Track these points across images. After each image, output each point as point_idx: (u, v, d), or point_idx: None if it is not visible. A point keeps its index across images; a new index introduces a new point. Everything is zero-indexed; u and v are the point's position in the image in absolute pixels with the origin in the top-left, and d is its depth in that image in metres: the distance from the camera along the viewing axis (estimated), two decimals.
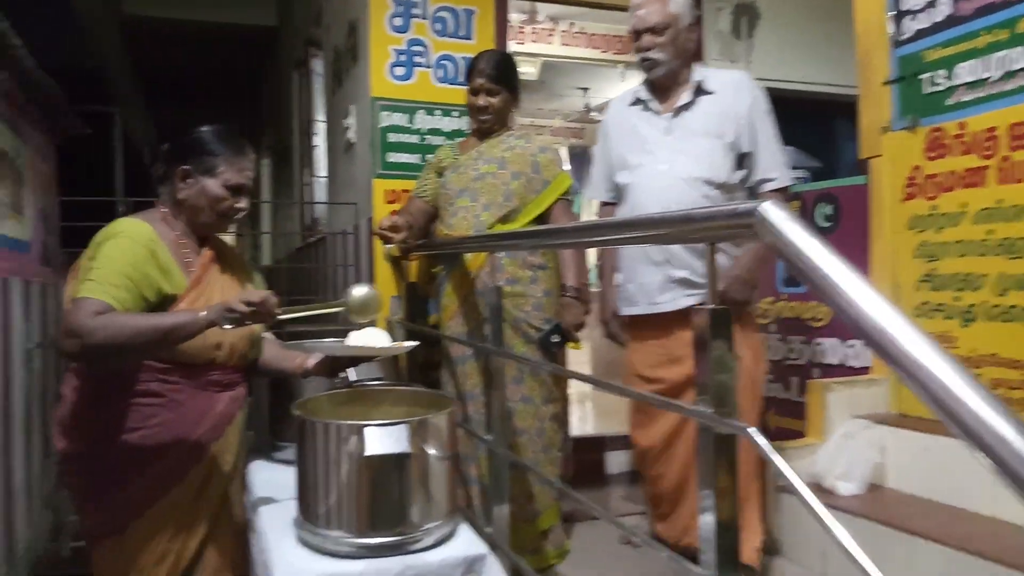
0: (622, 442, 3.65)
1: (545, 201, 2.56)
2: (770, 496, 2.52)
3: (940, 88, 2.57)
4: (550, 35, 5.87)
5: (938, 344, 0.79)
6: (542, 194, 2.57)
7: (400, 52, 3.29)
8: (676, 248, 2.32)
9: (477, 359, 2.47)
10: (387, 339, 1.86)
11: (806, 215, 3.13)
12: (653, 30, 2.33)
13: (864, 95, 2.91)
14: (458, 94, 2.78)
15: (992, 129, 2.38)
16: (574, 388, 3.98)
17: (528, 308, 2.49)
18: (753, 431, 1.11)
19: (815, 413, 2.77)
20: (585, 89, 7.51)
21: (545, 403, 2.51)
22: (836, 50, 4.20)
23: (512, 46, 3.96)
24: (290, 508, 1.55)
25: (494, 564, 1.49)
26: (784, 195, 2.39)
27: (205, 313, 1.48)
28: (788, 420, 3.14)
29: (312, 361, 1.83)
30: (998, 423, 0.70)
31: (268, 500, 1.75)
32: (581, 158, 8.42)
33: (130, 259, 1.54)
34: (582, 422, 4.69)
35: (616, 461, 3.64)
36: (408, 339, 2.71)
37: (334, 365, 1.84)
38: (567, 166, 7.21)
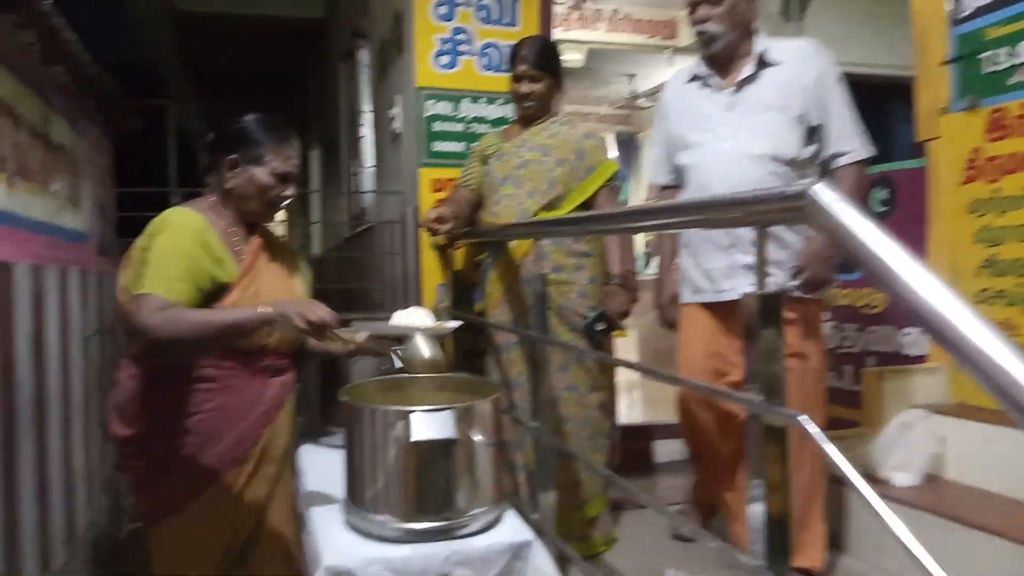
0: (670, 430, 3.61)
1: (589, 188, 2.54)
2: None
3: (1001, 67, 2.47)
4: (596, 21, 5.82)
5: (1000, 331, 0.76)
6: (586, 181, 2.54)
7: (445, 41, 3.28)
8: (743, 232, 2.19)
9: (522, 347, 2.46)
10: (431, 319, 1.88)
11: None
12: (709, 0, 2.22)
13: (921, 76, 2.82)
14: (503, 82, 2.77)
15: None
16: (621, 376, 3.95)
17: (573, 296, 2.47)
18: (805, 419, 1.08)
19: (870, 402, 2.70)
20: (632, 75, 7.43)
21: (591, 391, 2.50)
22: (890, 30, 4.08)
23: (558, 33, 3.93)
24: (338, 492, 1.57)
25: (540, 550, 1.49)
26: (861, 169, 2.24)
27: (263, 312, 1.50)
28: (841, 409, 3.07)
29: (358, 339, 1.86)
30: None
31: (317, 484, 1.78)
32: (628, 145, 8.33)
33: (186, 250, 1.56)
34: (630, 410, 4.65)
35: (664, 450, 3.61)
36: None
37: (378, 343, 1.88)
38: (614, 153, 7.16)
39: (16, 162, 2.12)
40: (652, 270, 5.89)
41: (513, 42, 2.68)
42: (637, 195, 8.17)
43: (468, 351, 2.75)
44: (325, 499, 1.66)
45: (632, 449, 3.38)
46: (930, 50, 2.75)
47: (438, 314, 2.84)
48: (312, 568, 1.48)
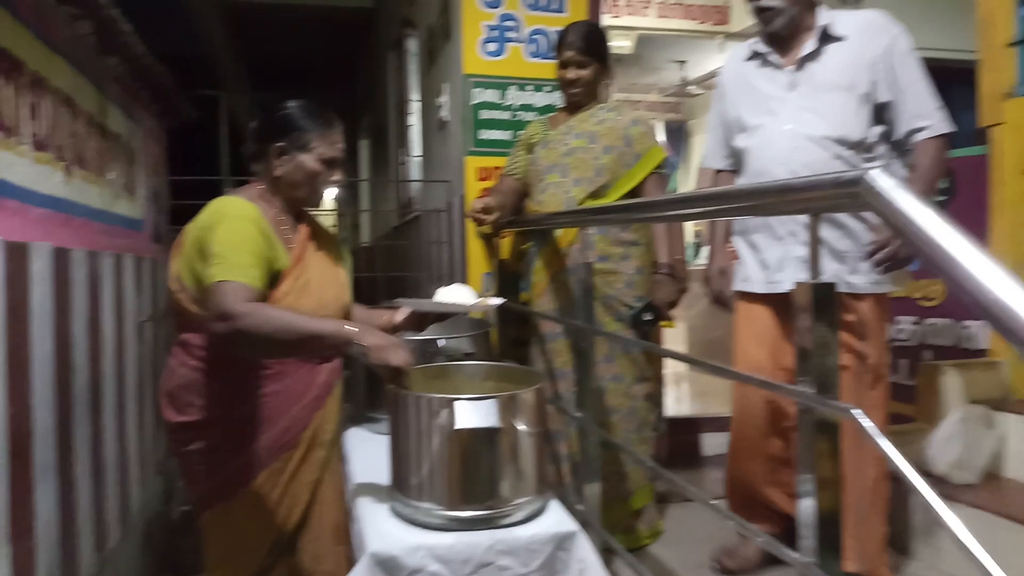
0: (718, 423, 3.57)
1: (637, 175, 2.50)
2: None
3: None
4: (645, 7, 5.74)
5: None
6: (634, 168, 2.50)
7: (492, 28, 3.27)
8: (802, 221, 2.08)
9: (567, 337, 2.45)
10: (473, 296, 1.88)
11: None
12: None
13: (985, 59, 2.71)
14: (550, 69, 2.74)
15: None
16: (669, 368, 3.91)
17: (619, 285, 2.45)
18: (858, 413, 1.05)
19: (926, 397, 2.63)
20: (682, 62, 7.31)
21: (637, 382, 2.47)
22: (952, 11, 3.94)
23: (606, 19, 3.88)
24: (384, 478, 1.58)
25: (584, 542, 1.47)
26: (942, 145, 2.05)
27: (348, 332, 1.48)
28: (896, 404, 2.99)
29: (400, 316, 1.87)
30: None
31: (363, 469, 1.79)
32: (678, 133, 8.23)
33: (252, 237, 1.56)
34: (677, 402, 4.61)
35: (712, 443, 3.56)
36: (498, 316, 2.72)
37: (422, 320, 1.88)
38: (662, 141, 7.06)
39: (73, 151, 2.17)
40: (702, 260, 5.81)
41: (561, 28, 2.65)
42: (686, 185, 8.06)
43: (513, 340, 2.74)
44: (370, 485, 1.67)
45: (679, 442, 3.35)
46: (995, 31, 2.64)
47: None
48: (357, 553, 1.49)
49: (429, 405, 1.44)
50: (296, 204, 1.77)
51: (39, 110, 1.92)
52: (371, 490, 1.65)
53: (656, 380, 2.63)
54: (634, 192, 2.50)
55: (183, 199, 3.09)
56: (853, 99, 2.06)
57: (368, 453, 1.90)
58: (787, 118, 2.13)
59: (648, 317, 2.40)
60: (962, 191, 2.85)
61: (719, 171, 2.42)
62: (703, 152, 2.49)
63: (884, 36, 2.07)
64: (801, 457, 1.19)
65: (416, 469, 1.47)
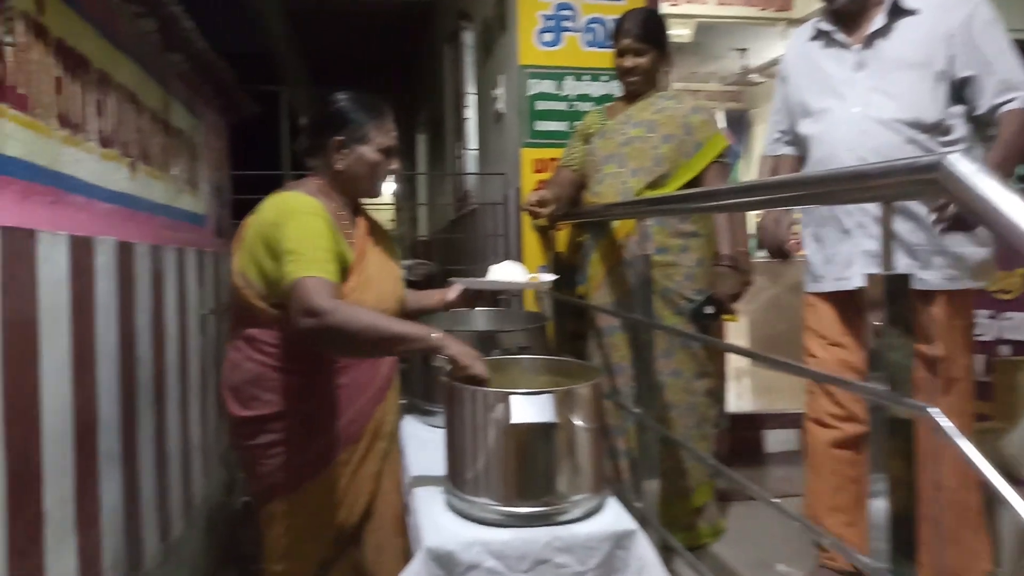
0: (782, 420, 3.48)
1: (698, 164, 2.43)
2: None
3: None
4: None
5: None
6: (694, 157, 2.44)
7: (548, 18, 3.23)
8: (869, 215, 1.96)
9: (625, 331, 2.40)
10: (525, 273, 1.87)
11: None
12: None
13: None
14: (608, 58, 2.69)
15: None
16: (731, 363, 3.83)
17: (679, 278, 2.39)
18: (935, 411, 0.99)
19: (1004, 394, 2.50)
20: (743, 50, 7.13)
21: (697, 378, 2.41)
22: None
23: (665, 7, 3.81)
24: (439, 472, 1.56)
25: (643, 540, 1.44)
26: None
27: (435, 340, 1.48)
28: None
29: (452, 294, 1.90)
30: None
31: (419, 462, 1.79)
32: (739, 123, 8.04)
33: (324, 233, 1.57)
34: (739, 398, 4.51)
35: (775, 439, 3.48)
36: (554, 309, 2.69)
37: (474, 298, 1.92)
38: (724, 129, 6.92)
39: (138, 147, 2.21)
40: (765, 252, 5.67)
41: (618, 16, 2.59)
42: (748, 176, 7.89)
43: (570, 334, 2.71)
44: (426, 478, 1.66)
45: (741, 438, 3.28)
46: None
47: (539, 297, 2.82)
48: (414, 547, 1.49)
49: (485, 399, 1.43)
50: (357, 197, 1.78)
51: (104, 107, 1.96)
52: (427, 483, 1.64)
53: (718, 376, 2.56)
54: (695, 182, 2.43)
55: (245, 194, 3.14)
56: (928, 77, 1.92)
57: (423, 445, 1.90)
58: (855, 100, 1.99)
59: (709, 311, 2.34)
60: None
61: (780, 156, 2.31)
62: (765, 140, 2.40)
63: (963, 6, 1.90)
64: (872, 457, 1.13)
65: (472, 463, 1.46)
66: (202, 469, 2.83)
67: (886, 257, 1.09)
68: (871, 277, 1.09)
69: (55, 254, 1.57)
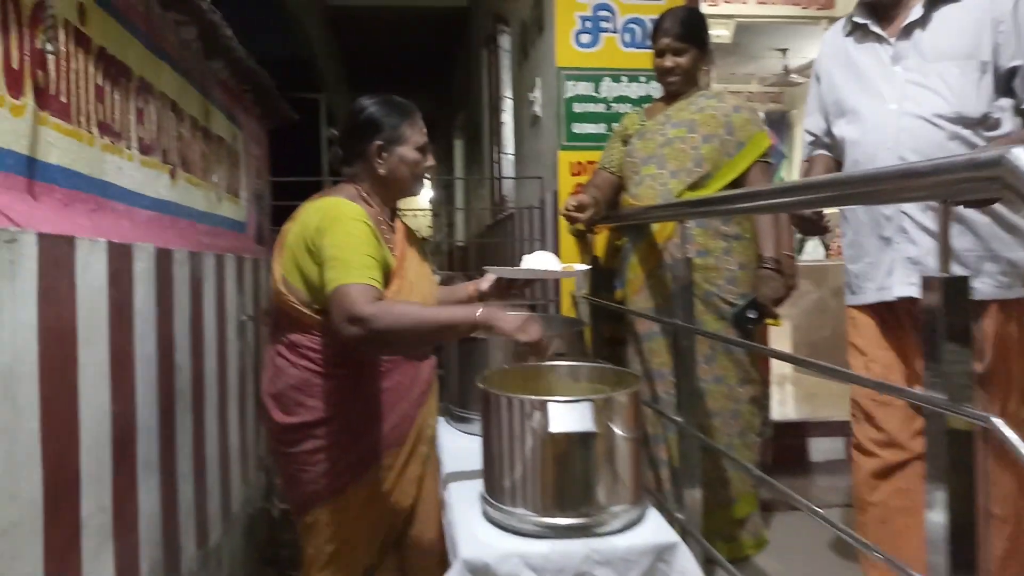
0: (826, 428, 3.39)
1: (740, 164, 2.37)
2: None
3: None
4: None
5: None
6: (736, 157, 2.37)
7: (586, 19, 3.20)
8: (909, 221, 1.85)
9: (665, 336, 2.35)
10: (558, 263, 1.86)
11: None
12: None
13: None
14: (646, 59, 2.64)
15: None
16: (774, 369, 3.75)
17: (720, 282, 2.33)
18: (998, 422, 0.93)
19: None
20: (783, 50, 7.02)
21: (741, 384, 2.35)
22: None
23: (704, 7, 3.75)
24: (476, 480, 1.54)
25: (686, 554, 1.39)
26: None
27: (480, 317, 1.46)
28: None
29: (485, 284, 1.89)
30: None
31: (455, 468, 1.76)
32: (780, 124, 7.92)
33: (367, 239, 1.56)
34: (782, 405, 4.41)
35: (820, 448, 3.38)
36: (592, 315, 2.65)
37: (507, 287, 1.89)
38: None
39: (179, 154, 2.23)
40: (808, 255, 5.56)
41: (657, 16, 2.54)
42: (790, 177, 7.76)
43: (608, 339, 2.66)
44: (463, 486, 1.64)
45: (786, 447, 3.20)
46: None
47: (576, 302, 2.78)
48: (450, 557, 1.46)
49: (522, 407, 1.39)
50: (397, 199, 1.79)
51: (145, 115, 1.97)
52: (464, 491, 1.61)
53: (762, 382, 2.49)
54: (737, 183, 2.37)
55: (285, 200, 3.16)
56: (972, 68, 1.78)
57: (460, 450, 1.87)
58: (892, 96, 1.87)
59: (752, 315, 2.27)
60: None
61: (814, 157, 2.18)
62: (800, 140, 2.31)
63: None
64: (930, 469, 1.07)
65: (508, 473, 1.42)
66: (241, 474, 2.85)
67: (944, 259, 1.04)
68: (928, 280, 1.04)
69: (94, 261, 1.58)
